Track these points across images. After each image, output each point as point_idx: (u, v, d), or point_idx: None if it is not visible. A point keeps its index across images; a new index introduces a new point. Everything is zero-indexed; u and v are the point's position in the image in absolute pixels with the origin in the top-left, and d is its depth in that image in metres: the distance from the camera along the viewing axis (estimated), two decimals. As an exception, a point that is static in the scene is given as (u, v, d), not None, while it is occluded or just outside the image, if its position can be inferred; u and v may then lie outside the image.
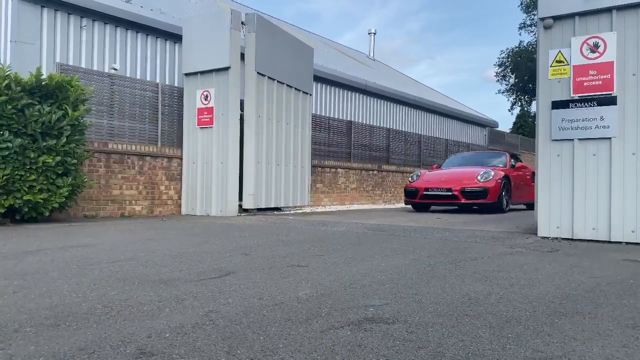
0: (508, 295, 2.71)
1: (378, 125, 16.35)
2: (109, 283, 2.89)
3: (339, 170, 13.15)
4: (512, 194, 10.23)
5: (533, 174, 11.38)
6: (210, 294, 2.65)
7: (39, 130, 6.42)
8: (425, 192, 10.09)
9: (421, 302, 2.53)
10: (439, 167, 11.98)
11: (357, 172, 13.85)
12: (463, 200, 9.67)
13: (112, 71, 9.15)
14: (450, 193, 9.75)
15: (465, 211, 10.44)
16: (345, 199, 13.32)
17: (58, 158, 6.55)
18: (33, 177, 6.36)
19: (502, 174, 9.94)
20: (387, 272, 3.32)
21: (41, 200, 6.44)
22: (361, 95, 16.17)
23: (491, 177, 9.65)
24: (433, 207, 11.05)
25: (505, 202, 9.90)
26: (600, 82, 5.14)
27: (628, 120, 5.03)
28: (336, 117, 14.60)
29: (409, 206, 11.35)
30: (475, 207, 10.04)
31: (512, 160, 11.31)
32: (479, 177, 9.71)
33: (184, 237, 5.26)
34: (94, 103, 8.11)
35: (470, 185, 9.70)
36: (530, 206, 11.33)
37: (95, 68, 9.06)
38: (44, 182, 6.50)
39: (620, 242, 5.01)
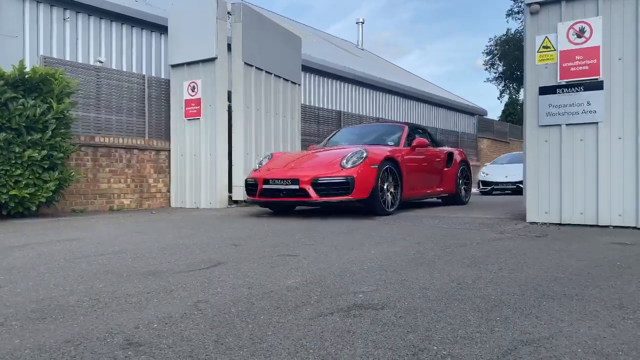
0: (496, 279, 2.73)
1: (367, 114, 16.34)
2: (96, 276, 2.87)
3: (329, 160, 13.12)
4: (404, 185, 6.91)
5: (449, 155, 8.60)
6: (199, 284, 2.63)
7: (24, 124, 6.33)
8: (264, 186, 6.53)
9: (410, 287, 2.53)
10: (324, 145, 8.35)
11: (347, 162, 13.84)
12: (315, 198, 6.15)
13: (98, 64, 9.03)
14: (296, 187, 6.24)
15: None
16: (335, 189, 13.30)
17: (44, 152, 6.47)
18: (19, 171, 6.28)
19: (384, 156, 6.54)
20: (377, 260, 3.33)
21: (27, 195, 6.37)
22: (350, 85, 16.13)
23: (362, 161, 6.23)
24: (299, 207, 7.75)
25: (389, 198, 6.60)
26: (587, 67, 5.16)
27: (614, 105, 5.06)
28: (325, 107, 14.56)
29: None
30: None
31: (411, 135, 7.91)
32: (343, 162, 6.29)
33: (173, 230, 5.23)
34: (80, 96, 8.01)
35: (327, 174, 6.24)
36: (447, 200, 8.79)
37: (80, 60, 8.94)
38: (30, 177, 6.42)
39: (608, 226, 5.06)
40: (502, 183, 13.34)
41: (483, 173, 14.22)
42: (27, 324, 1.97)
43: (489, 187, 13.62)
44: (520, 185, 12.47)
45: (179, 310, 2.14)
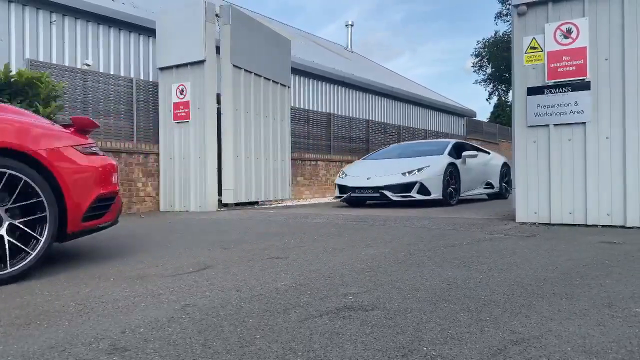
0: (486, 279, 2.72)
1: (357, 117, 16.36)
2: (82, 280, 2.83)
3: (319, 162, 13.12)
4: None
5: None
6: (187, 287, 2.60)
7: (10, 128, 6.24)
8: None
9: (400, 288, 2.52)
10: None
11: (338, 164, 13.84)
12: None
13: (85, 67, 8.95)
14: None
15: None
16: (326, 192, 13.30)
17: (30, 156, 6.38)
18: (5, 176, 6.19)
19: None
20: (367, 261, 3.31)
21: (14, 200, 6.27)
22: (340, 87, 16.13)
23: None
24: None
25: None
26: (574, 68, 5.19)
27: (601, 105, 5.09)
28: (315, 109, 14.55)
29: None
30: None
31: None
32: None
33: (161, 233, 5.19)
34: (67, 100, 7.92)
35: None
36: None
37: (67, 64, 8.85)
38: (17, 181, 6.33)
39: (597, 225, 5.09)
40: (361, 189, 8.71)
41: (342, 173, 9.49)
42: (11, 330, 1.93)
43: (345, 195, 8.96)
44: (386, 193, 8.37)
45: (166, 314, 2.11)
